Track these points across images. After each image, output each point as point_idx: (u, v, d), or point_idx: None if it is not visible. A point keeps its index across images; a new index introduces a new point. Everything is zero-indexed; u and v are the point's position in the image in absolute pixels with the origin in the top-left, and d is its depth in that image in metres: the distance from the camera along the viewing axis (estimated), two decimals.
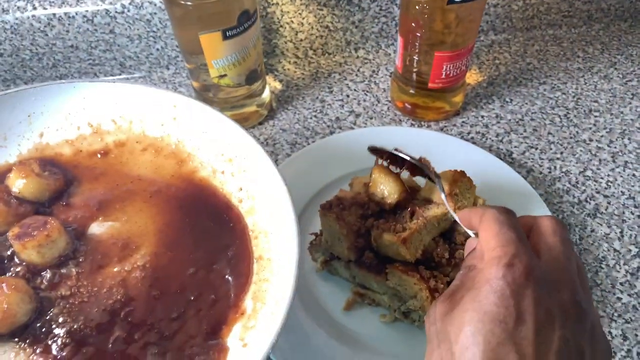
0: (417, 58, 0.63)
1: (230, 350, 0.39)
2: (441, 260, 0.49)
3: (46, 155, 0.51)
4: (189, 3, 0.54)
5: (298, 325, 0.50)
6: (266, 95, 0.70)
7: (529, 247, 0.33)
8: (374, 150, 0.50)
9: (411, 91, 0.68)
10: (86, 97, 0.51)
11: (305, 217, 0.58)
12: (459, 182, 0.51)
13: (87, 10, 0.69)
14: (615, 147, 0.67)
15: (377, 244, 0.49)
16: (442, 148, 0.63)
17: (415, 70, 0.65)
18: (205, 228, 0.47)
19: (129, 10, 0.69)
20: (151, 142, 0.52)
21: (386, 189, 0.50)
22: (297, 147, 0.67)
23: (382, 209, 0.51)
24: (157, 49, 0.75)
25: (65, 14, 0.69)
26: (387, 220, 0.50)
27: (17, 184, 0.46)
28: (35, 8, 0.68)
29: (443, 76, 0.63)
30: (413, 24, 0.59)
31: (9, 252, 0.43)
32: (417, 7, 0.57)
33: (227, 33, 0.57)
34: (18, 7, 0.68)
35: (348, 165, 0.61)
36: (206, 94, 0.66)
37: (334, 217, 0.50)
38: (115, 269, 0.43)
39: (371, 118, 0.71)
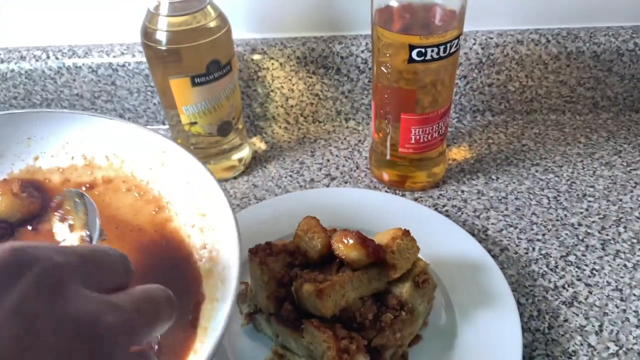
0: (387, 121, 0.62)
1: None
2: (364, 321, 0.44)
3: (36, 178, 0.52)
4: (160, 47, 0.57)
5: None
6: (245, 153, 0.71)
7: None
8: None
9: (387, 158, 0.66)
10: (85, 129, 0.52)
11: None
12: (398, 240, 0.47)
13: (92, 62, 0.75)
14: (607, 234, 0.60)
15: (297, 296, 0.45)
16: (405, 215, 0.59)
17: (388, 134, 0.63)
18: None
19: (129, 64, 0.74)
20: (137, 184, 0.52)
21: (310, 242, 0.47)
22: None
23: (308, 261, 0.47)
24: (154, 104, 0.79)
25: (74, 64, 0.75)
26: (313, 271, 0.46)
27: None
28: (48, 57, 0.75)
29: (412, 141, 0.61)
30: (379, 85, 0.59)
31: None
32: (381, 68, 0.57)
33: (196, 80, 0.59)
34: (34, 56, 0.75)
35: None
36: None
37: (257, 262, 0.47)
38: None
39: (346, 182, 0.69)
